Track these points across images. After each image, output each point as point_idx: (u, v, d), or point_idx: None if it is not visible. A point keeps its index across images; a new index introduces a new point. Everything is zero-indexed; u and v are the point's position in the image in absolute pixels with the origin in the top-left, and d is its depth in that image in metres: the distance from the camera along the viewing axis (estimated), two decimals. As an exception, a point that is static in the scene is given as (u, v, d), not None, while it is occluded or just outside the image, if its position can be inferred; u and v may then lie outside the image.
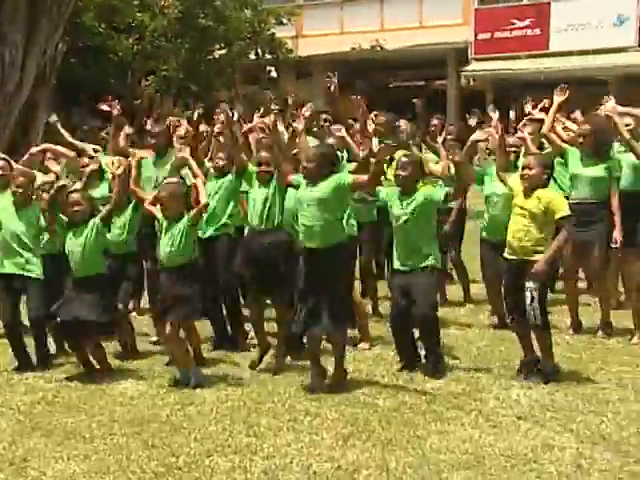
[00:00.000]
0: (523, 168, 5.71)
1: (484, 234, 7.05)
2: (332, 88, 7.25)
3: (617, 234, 6.63)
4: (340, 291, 5.50)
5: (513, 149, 6.93)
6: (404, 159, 5.90)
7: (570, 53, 24.79)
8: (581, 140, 6.79)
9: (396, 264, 5.87)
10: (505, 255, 5.74)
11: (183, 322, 5.83)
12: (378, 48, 26.19)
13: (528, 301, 5.49)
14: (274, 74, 23.62)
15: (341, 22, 27.56)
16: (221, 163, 6.67)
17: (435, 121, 8.44)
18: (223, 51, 21.60)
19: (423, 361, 5.92)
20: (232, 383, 5.78)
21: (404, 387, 5.60)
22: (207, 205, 5.92)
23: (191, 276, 5.77)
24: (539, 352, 5.72)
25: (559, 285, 8.03)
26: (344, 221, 5.75)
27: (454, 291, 8.45)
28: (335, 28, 27.38)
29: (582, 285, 7.61)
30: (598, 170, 6.71)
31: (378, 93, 30.07)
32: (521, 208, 5.61)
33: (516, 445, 4.52)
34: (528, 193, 5.60)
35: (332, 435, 4.72)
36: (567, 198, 6.45)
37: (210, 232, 6.63)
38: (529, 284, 5.47)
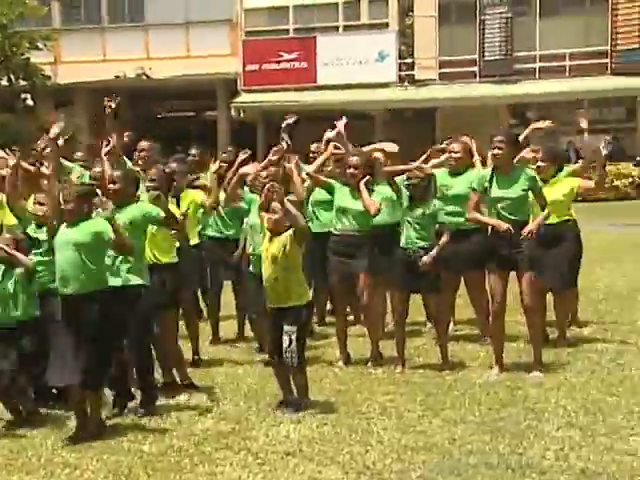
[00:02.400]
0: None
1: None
2: (109, 109, 7.14)
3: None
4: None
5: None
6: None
7: (336, 87, 25.95)
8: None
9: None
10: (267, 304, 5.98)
11: None
12: (144, 77, 26.03)
13: (286, 344, 5.77)
14: (30, 102, 22.73)
15: (104, 48, 27.07)
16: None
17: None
18: (-31, 75, 20.58)
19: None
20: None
21: (171, 430, 5.56)
22: None
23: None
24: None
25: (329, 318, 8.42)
26: None
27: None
28: (97, 55, 26.86)
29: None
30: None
31: (148, 124, 29.81)
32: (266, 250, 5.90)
33: (284, 482, 4.63)
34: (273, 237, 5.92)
35: (93, 488, 4.58)
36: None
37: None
38: (287, 328, 5.77)
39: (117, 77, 25.99)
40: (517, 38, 25.68)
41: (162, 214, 5.88)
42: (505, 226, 6.34)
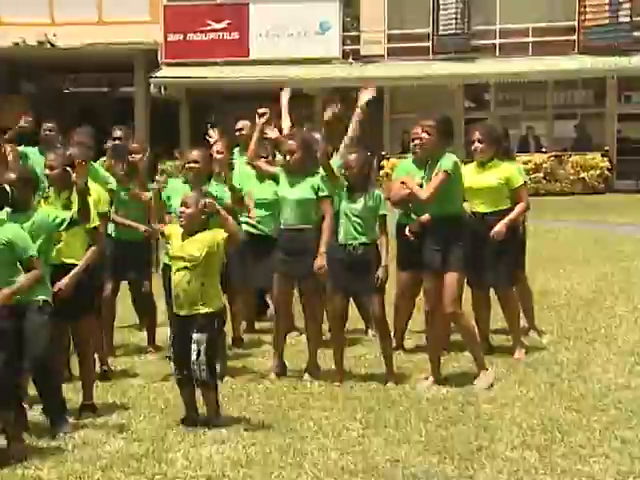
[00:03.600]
0: None
1: None
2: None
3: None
4: None
5: None
6: None
7: (271, 62, 25.91)
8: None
9: None
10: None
11: None
12: (48, 45, 25.62)
13: (194, 356, 5.79)
14: None
15: (-1, 11, 26.40)
16: None
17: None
18: None
19: None
20: None
21: (74, 452, 5.51)
22: None
23: None
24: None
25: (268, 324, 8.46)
26: None
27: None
28: (-9, 18, 26.23)
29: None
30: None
31: (52, 99, 29.37)
32: (182, 259, 5.92)
33: (205, 510, 4.63)
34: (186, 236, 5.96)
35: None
36: None
37: None
38: (196, 336, 5.78)
39: (16, 44, 25.53)
40: (475, 11, 26.06)
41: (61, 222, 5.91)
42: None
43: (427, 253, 6.73)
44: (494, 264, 7.47)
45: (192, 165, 7.02)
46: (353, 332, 8.38)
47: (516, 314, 7.83)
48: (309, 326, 7.31)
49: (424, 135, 6.73)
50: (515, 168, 7.71)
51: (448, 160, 6.60)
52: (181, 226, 6.00)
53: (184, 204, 5.95)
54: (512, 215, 7.41)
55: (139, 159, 7.95)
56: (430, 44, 26.28)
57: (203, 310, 5.86)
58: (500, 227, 7.30)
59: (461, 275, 6.73)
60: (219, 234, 5.90)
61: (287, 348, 7.57)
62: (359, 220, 6.84)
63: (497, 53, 26.02)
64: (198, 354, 5.77)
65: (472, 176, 7.38)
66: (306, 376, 7.16)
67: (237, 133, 8.81)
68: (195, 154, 7.08)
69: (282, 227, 7.17)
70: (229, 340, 8.19)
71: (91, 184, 6.79)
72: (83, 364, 6.46)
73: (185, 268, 5.89)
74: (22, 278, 5.55)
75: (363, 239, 6.85)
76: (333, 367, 7.15)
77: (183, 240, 5.97)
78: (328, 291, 7.11)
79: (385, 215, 6.93)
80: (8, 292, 5.49)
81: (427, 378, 6.87)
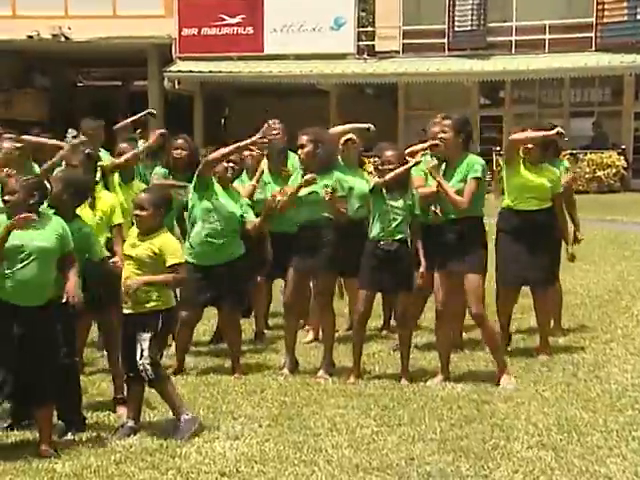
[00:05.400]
0: None
1: None
2: None
3: None
4: None
5: None
6: None
7: (285, 57, 25.91)
8: None
9: None
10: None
11: None
12: (62, 38, 25.66)
13: (138, 355, 5.72)
14: None
15: (13, 3, 26.49)
16: None
17: None
18: None
19: None
20: None
21: (88, 446, 5.52)
22: None
23: None
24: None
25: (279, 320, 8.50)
26: None
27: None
28: (5, 10, 26.29)
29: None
30: None
31: (65, 93, 29.47)
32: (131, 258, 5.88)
33: (219, 506, 4.64)
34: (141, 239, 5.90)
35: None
36: None
37: None
38: (140, 335, 5.72)
39: (30, 37, 25.59)
40: (491, 7, 25.96)
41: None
42: None
43: (444, 252, 6.74)
44: (537, 262, 7.48)
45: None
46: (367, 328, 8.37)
47: (550, 314, 7.90)
48: (323, 322, 7.32)
49: (443, 135, 6.75)
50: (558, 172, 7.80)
51: (477, 165, 6.69)
52: (137, 227, 5.96)
53: (138, 207, 5.89)
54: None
55: (184, 155, 7.95)
56: (446, 40, 26.21)
57: (147, 307, 5.78)
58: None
59: (483, 277, 6.80)
60: (169, 257, 5.80)
61: (300, 344, 7.58)
62: (398, 218, 6.84)
63: (513, 50, 25.93)
64: (141, 353, 5.69)
65: (527, 173, 7.46)
66: (320, 373, 7.16)
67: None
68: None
69: (297, 225, 7.19)
70: (251, 334, 8.28)
71: (106, 194, 6.86)
72: (111, 357, 6.47)
73: (131, 266, 5.84)
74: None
75: (399, 236, 6.86)
76: (347, 364, 7.15)
77: (137, 239, 5.91)
78: (358, 287, 7.11)
79: (418, 215, 6.98)
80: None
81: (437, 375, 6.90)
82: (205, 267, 7.13)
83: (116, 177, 7.57)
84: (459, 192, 6.69)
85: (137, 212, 5.88)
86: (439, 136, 6.81)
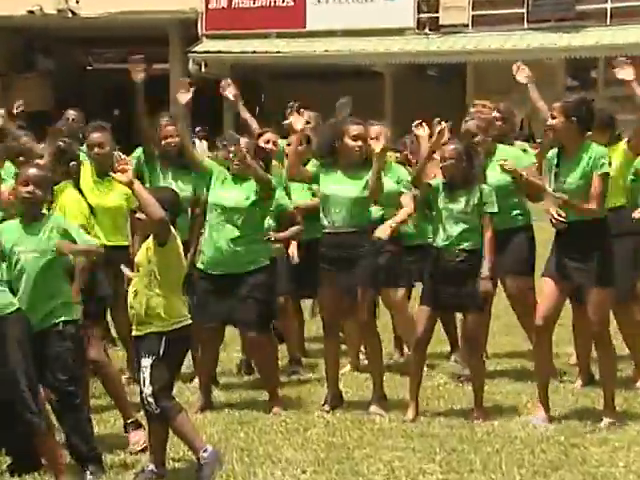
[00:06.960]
0: None
1: None
2: None
3: None
4: None
5: None
6: None
7: (332, 33, 25.97)
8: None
9: None
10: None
11: None
12: (69, 13, 26.02)
13: (140, 386, 5.74)
14: None
15: (12, -27, 26.86)
16: None
17: None
18: None
19: None
20: None
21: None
22: None
23: None
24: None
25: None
26: None
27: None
28: (4, -18, 26.67)
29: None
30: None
31: (73, 77, 29.80)
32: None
33: None
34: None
35: None
36: None
37: None
38: (142, 362, 5.73)
39: (31, 12, 25.97)
40: (580, -32, 25.80)
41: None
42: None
43: (564, 264, 6.69)
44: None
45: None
46: (430, 356, 8.33)
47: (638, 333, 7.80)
48: (369, 348, 7.37)
49: (551, 121, 6.71)
50: None
51: (604, 158, 6.65)
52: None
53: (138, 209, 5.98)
54: None
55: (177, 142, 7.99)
56: (524, 10, 26.07)
57: (148, 330, 5.79)
58: None
59: (612, 292, 6.76)
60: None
61: (348, 374, 7.58)
62: (461, 222, 6.84)
63: (608, 21, 25.69)
64: (143, 382, 5.69)
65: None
66: (373, 408, 7.14)
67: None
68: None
69: (326, 231, 7.17)
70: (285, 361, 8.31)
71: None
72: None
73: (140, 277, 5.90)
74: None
75: (464, 244, 6.84)
76: (404, 397, 7.14)
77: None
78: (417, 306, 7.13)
79: (493, 214, 6.93)
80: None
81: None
82: (215, 276, 7.18)
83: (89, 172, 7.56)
84: (579, 190, 6.62)
85: (138, 215, 5.95)
86: (547, 123, 6.78)
